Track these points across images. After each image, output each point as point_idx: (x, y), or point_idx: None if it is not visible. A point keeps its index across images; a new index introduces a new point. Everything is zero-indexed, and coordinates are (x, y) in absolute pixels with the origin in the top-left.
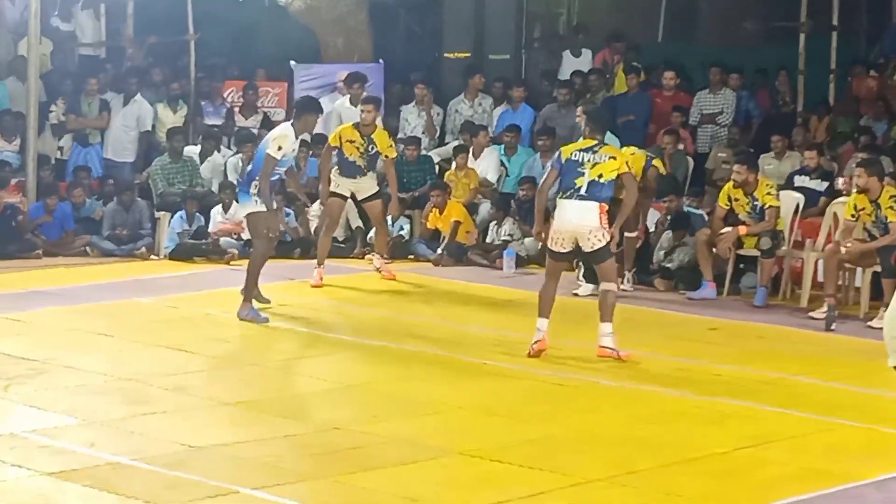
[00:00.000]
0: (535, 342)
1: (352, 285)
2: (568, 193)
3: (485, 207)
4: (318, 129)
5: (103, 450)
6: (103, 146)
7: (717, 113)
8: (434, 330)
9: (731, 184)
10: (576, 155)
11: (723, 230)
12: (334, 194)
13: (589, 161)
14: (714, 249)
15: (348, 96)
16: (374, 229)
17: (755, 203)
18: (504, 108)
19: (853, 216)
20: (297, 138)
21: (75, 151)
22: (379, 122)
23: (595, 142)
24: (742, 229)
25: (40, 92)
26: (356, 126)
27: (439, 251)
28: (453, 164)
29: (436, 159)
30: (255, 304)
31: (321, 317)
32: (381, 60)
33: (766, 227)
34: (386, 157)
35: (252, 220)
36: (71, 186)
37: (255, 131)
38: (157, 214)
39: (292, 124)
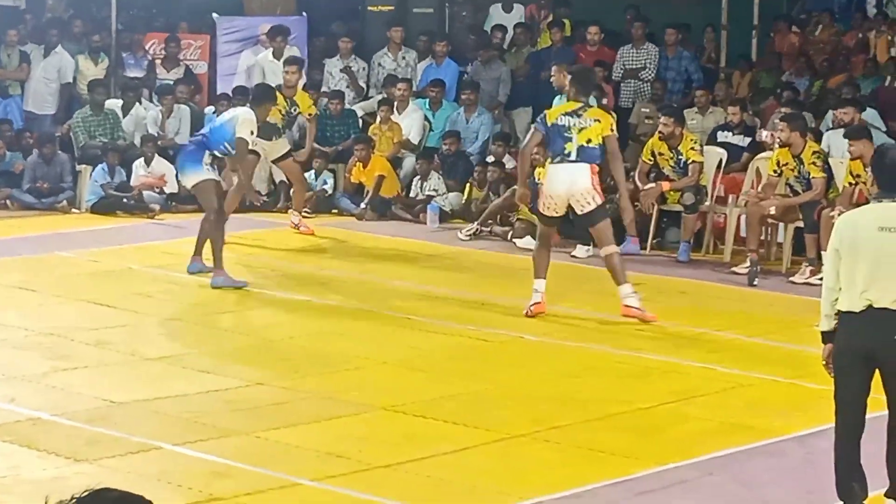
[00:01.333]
0: (534, 304)
1: (275, 240)
2: (558, 158)
3: (409, 162)
4: (240, 82)
5: (24, 405)
6: (23, 98)
7: (640, 68)
8: (357, 285)
9: (655, 138)
10: (562, 119)
11: (646, 186)
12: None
13: (575, 126)
14: (636, 204)
15: (271, 49)
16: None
17: (679, 157)
18: (428, 63)
19: (776, 171)
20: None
21: None
22: (301, 82)
23: (580, 104)
24: (665, 185)
25: None
26: (278, 88)
27: (363, 205)
28: (377, 118)
29: (359, 113)
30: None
31: (242, 271)
32: (303, 13)
33: (689, 182)
34: (309, 115)
35: (203, 189)
36: None
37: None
38: (78, 168)
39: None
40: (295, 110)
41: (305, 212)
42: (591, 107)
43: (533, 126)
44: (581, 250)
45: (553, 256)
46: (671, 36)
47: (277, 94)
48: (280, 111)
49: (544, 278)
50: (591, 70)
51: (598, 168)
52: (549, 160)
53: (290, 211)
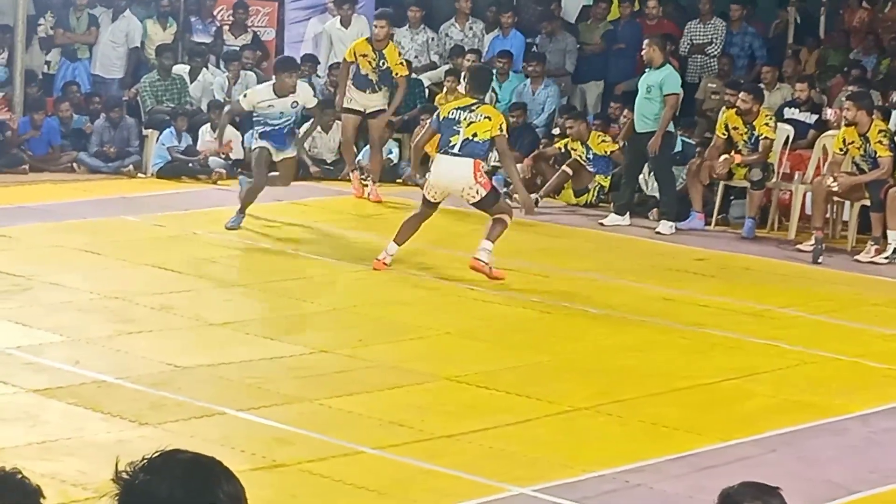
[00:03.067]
0: (380, 259)
1: (340, 208)
2: (443, 150)
3: None
4: (308, 50)
5: (88, 368)
6: (91, 62)
7: (706, 43)
8: (421, 255)
9: (731, 112)
10: (453, 113)
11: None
12: (347, 110)
13: (465, 119)
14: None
15: (339, 17)
16: (364, 151)
17: (753, 133)
18: (496, 34)
19: (841, 150)
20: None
21: (63, 66)
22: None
23: (474, 101)
24: (737, 157)
25: (28, 5)
26: (368, 40)
27: (427, 175)
28: (443, 89)
29: (426, 83)
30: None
31: (309, 239)
32: None
33: (758, 158)
34: (396, 74)
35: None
36: (58, 102)
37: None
38: (144, 132)
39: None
40: (383, 63)
41: (363, 179)
42: (486, 104)
43: (429, 121)
44: (665, 226)
45: (637, 232)
46: (736, 12)
47: (367, 44)
48: (370, 63)
49: (399, 245)
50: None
51: (482, 164)
52: (437, 150)
53: (363, 176)
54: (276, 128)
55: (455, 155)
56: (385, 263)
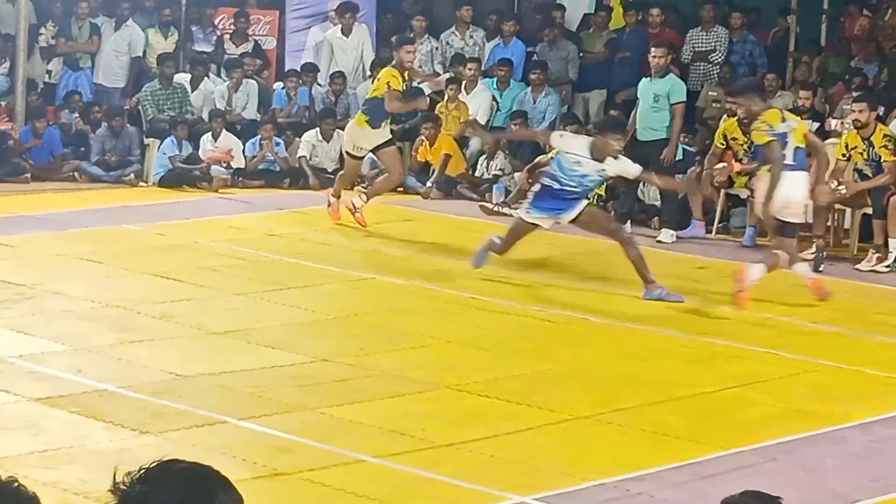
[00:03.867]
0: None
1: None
2: None
3: (475, 141)
4: (309, 59)
5: (90, 377)
6: (93, 71)
7: (709, 51)
8: (422, 263)
9: (731, 121)
10: None
11: (716, 166)
12: (350, 155)
13: None
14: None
15: (339, 26)
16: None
17: (752, 142)
18: (496, 42)
19: (844, 156)
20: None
21: (65, 76)
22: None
23: None
24: (736, 166)
25: (30, 14)
26: (398, 68)
27: (429, 184)
28: (445, 97)
29: (427, 92)
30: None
31: (310, 248)
32: None
33: (756, 168)
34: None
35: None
36: (58, 110)
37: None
38: (146, 141)
39: None
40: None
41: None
42: None
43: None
44: (666, 235)
45: (638, 241)
46: (737, 20)
47: (396, 72)
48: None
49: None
50: None
51: None
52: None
53: (358, 189)
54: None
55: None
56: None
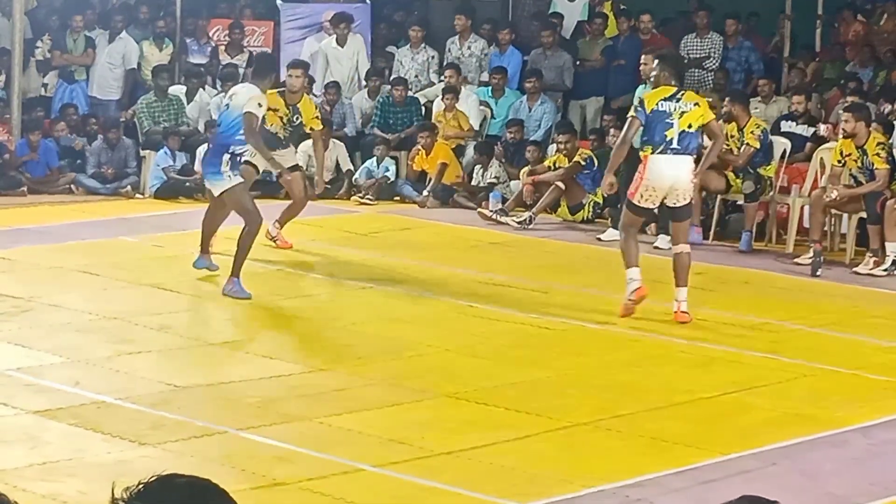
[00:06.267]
0: (634, 291)
1: (337, 226)
2: (661, 148)
3: (471, 150)
4: None
5: (88, 388)
6: (89, 83)
7: (704, 57)
8: (419, 272)
9: (730, 126)
10: (662, 105)
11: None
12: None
13: (676, 110)
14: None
15: (335, 36)
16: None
17: (742, 141)
18: (493, 51)
19: (839, 162)
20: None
21: (60, 88)
22: (311, 92)
23: (675, 89)
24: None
25: (26, 28)
26: (281, 94)
27: (425, 193)
28: (442, 106)
29: (422, 101)
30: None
31: (306, 258)
32: (367, 0)
33: (743, 162)
34: (312, 129)
35: (232, 197)
36: (54, 123)
37: (240, 70)
38: (142, 153)
39: (254, 83)
40: (297, 119)
41: (368, 198)
42: (688, 90)
43: (630, 113)
44: (663, 240)
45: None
46: (731, 26)
47: (278, 97)
48: (280, 118)
49: (638, 266)
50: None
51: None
52: (649, 149)
53: (273, 222)
54: None
55: (676, 151)
56: (644, 289)
